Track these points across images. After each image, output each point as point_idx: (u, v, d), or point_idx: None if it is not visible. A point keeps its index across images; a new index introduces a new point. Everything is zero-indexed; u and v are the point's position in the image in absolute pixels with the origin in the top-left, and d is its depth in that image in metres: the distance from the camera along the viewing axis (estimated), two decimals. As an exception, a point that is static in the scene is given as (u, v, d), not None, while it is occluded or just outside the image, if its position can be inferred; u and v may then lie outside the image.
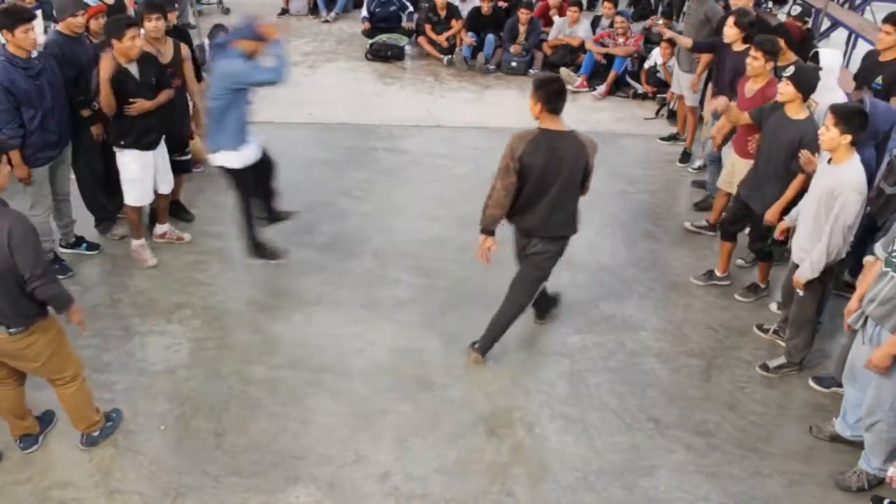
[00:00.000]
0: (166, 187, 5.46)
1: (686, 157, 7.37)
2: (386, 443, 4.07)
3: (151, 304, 5.05)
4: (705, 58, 6.68)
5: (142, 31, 5.09)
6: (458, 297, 5.27)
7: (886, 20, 5.25)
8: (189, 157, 5.88)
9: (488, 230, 4.28)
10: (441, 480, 3.87)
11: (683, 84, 7.22)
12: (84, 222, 5.65)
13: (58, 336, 3.66)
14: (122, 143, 5.09)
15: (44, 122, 4.74)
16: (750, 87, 5.23)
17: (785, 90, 4.55)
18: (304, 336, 4.84)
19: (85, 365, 4.40)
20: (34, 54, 4.67)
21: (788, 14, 6.13)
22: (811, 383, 4.56)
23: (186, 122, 5.88)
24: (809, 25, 6.25)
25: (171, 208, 5.74)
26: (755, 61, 5.05)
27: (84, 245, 5.49)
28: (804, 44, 6.42)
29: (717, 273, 5.46)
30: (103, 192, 5.64)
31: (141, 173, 5.19)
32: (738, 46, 5.80)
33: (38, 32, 4.72)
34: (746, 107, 5.09)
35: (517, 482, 3.88)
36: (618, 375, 4.63)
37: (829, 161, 4.12)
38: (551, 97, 4.01)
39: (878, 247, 3.64)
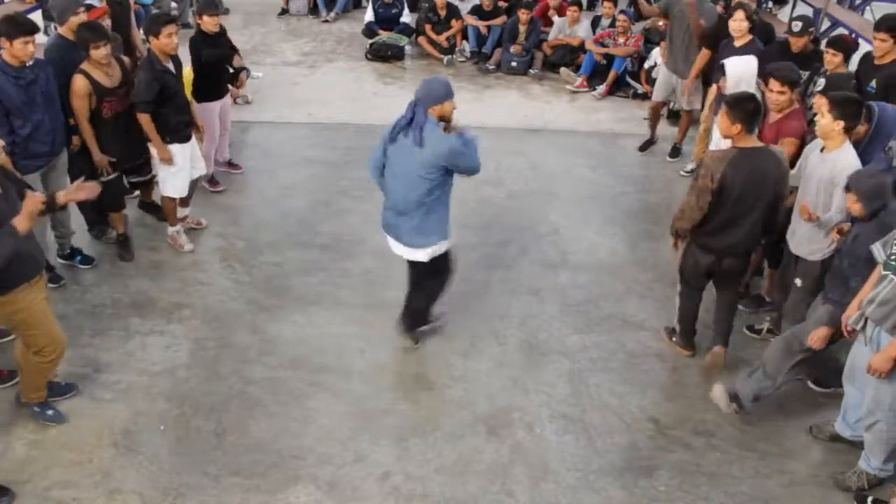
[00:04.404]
0: (197, 172, 5.61)
1: (675, 151, 7.38)
2: (386, 443, 4.08)
3: (151, 304, 5.05)
4: (700, 61, 6.67)
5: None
6: (458, 297, 5.26)
7: (878, 27, 5.20)
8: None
9: (678, 234, 4.42)
10: (441, 480, 3.87)
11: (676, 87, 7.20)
12: (82, 233, 5.58)
13: (22, 314, 3.69)
14: (167, 139, 5.23)
15: (34, 132, 4.58)
16: (773, 114, 4.86)
17: (819, 102, 4.40)
18: (304, 336, 4.84)
19: (85, 365, 4.45)
20: (28, 63, 4.52)
21: (790, 31, 5.89)
22: (810, 384, 4.56)
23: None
24: (813, 37, 6.01)
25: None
26: (781, 96, 4.65)
27: (79, 258, 5.35)
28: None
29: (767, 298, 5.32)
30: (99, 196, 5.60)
31: (183, 164, 5.38)
32: (741, 41, 5.81)
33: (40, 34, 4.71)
34: (767, 133, 4.78)
35: (517, 482, 3.88)
36: (618, 375, 4.63)
37: (822, 150, 4.16)
38: (750, 117, 4.04)
39: (877, 249, 3.61)
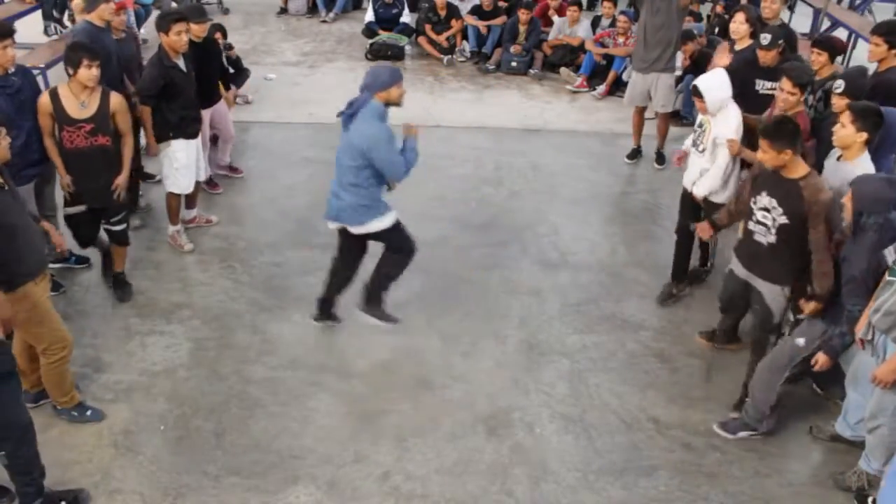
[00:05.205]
0: (201, 174, 5.66)
1: (660, 158, 7.28)
2: (386, 443, 4.08)
3: (151, 304, 5.05)
4: None
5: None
6: (458, 297, 5.27)
7: (874, 31, 5.15)
8: (125, 226, 4.99)
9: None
10: (441, 480, 3.87)
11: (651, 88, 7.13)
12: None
13: (27, 312, 3.64)
14: (171, 134, 5.26)
15: (28, 140, 4.52)
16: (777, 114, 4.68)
17: (839, 103, 4.36)
18: (304, 336, 4.84)
19: (85, 365, 4.45)
20: (11, 70, 4.48)
21: (758, 44, 5.49)
22: (814, 386, 4.55)
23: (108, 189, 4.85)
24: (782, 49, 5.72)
25: (112, 281, 5.15)
26: (791, 97, 4.52)
27: (73, 259, 5.31)
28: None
29: None
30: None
31: (187, 161, 5.40)
32: (742, 44, 5.77)
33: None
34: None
35: (517, 482, 3.88)
36: (618, 375, 4.64)
37: (839, 158, 4.12)
38: (795, 138, 3.82)
39: (889, 253, 3.55)
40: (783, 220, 3.92)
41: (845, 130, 3.99)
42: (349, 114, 4.25)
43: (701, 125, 4.87)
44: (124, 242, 5.05)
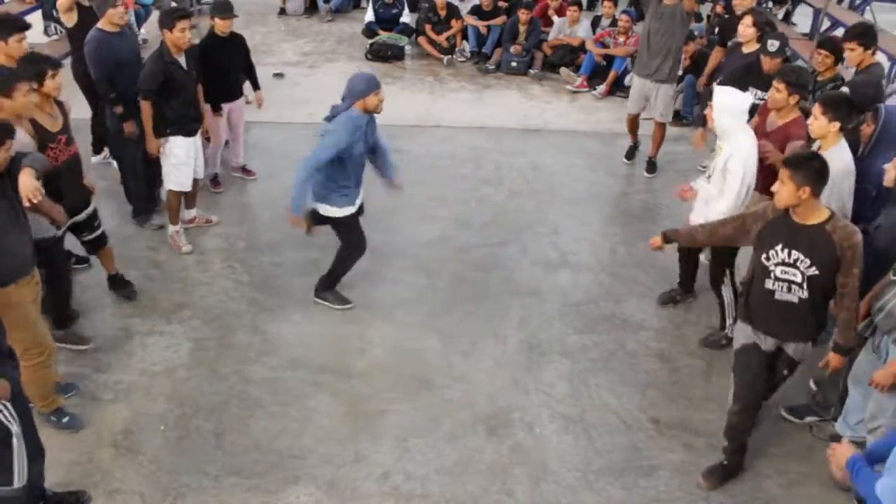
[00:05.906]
0: (200, 172, 5.66)
1: (651, 167, 7.17)
2: (386, 443, 4.08)
3: (151, 304, 5.05)
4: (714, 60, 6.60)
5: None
6: (458, 297, 5.27)
7: (846, 38, 5.05)
8: (100, 231, 4.79)
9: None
10: (441, 480, 3.87)
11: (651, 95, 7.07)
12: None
13: (9, 314, 3.49)
14: (168, 130, 5.29)
15: None
16: (772, 120, 4.65)
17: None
18: (304, 336, 4.84)
19: (85, 365, 4.45)
20: None
21: (764, 50, 5.25)
22: (811, 384, 4.56)
23: (85, 191, 4.63)
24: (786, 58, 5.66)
25: (110, 282, 5.09)
26: (777, 94, 4.47)
27: (73, 259, 5.24)
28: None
29: None
30: (145, 184, 5.79)
31: (185, 158, 5.43)
32: (750, 47, 5.75)
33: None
34: (774, 138, 4.57)
35: (517, 482, 3.88)
36: (618, 375, 4.64)
37: (819, 148, 4.13)
38: (819, 177, 3.41)
39: None
40: (812, 271, 3.49)
41: (818, 122, 4.05)
42: (329, 118, 4.63)
43: (714, 151, 4.59)
44: (105, 241, 4.86)
